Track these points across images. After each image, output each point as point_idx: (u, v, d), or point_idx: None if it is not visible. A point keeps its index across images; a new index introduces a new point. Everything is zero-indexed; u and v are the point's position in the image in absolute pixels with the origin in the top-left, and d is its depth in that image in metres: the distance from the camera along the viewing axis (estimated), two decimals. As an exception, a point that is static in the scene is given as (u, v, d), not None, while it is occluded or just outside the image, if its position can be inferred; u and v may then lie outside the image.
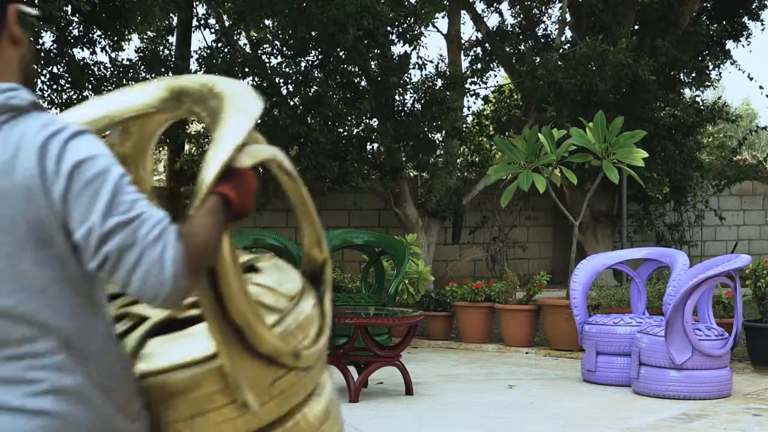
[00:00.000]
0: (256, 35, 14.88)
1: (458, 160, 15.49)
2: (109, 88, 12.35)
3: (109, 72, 12.39)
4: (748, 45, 17.31)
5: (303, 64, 14.06)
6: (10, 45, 1.90)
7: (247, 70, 14.13)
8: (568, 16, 15.79)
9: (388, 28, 13.60)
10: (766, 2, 16.88)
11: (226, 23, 14.96)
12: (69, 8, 10.64)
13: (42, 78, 12.15)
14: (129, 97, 2.30)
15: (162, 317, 2.19)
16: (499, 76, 18.85)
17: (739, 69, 17.07)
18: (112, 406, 1.85)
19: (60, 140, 1.78)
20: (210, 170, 1.86)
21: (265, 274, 2.31)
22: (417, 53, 14.22)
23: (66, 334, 1.80)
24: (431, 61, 14.59)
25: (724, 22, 16.69)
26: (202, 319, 2.06)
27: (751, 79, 16.87)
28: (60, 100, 12.20)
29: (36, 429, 1.78)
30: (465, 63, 16.38)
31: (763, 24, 17.28)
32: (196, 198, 1.84)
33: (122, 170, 1.80)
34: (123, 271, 1.73)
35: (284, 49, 14.16)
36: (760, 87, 17.02)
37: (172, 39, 15.54)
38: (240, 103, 2.06)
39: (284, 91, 14.24)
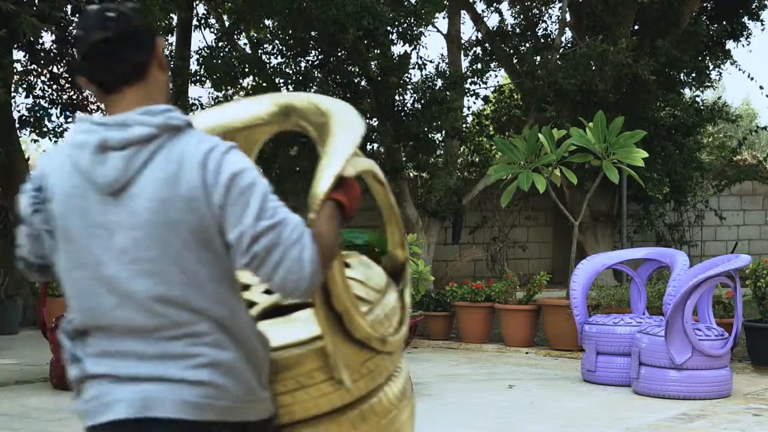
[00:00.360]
0: (256, 35, 14.88)
1: (458, 160, 15.50)
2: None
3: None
4: (748, 45, 17.30)
5: (303, 64, 14.06)
6: (159, 70, 2.20)
7: (247, 70, 14.13)
8: (568, 16, 15.78)
9: (388, 28, 13.60)
10: (766, 2, 16.87)
11: (226, 23, 14.96)
12: (69, 8, 10.64)
13: (42, 78, 12.14)
14: (242, 109, 2.68)
15: (269, 303, 2.54)
16: (499, 76, 18.85)
17: (739, 69, 17.06)
18: (253, 377, 2.17)
19: (217, 155, 2.09)
20: (325, 181, 2.17)
21: (355, 269, 2.62)
22: (417, 53, 14.22)
23: (220, 318, 2.12)
24: (431, 61, 14.59)
25: (724, 22, 16.68)
26: (302, 307, 2.45)
27: (752, 78, 16.87)
28: (60, 101, 12.19)
29: (194, 397, 2.08)
30: (465, 63, 16.38)
31: (763, 24, 17.27)
32: (314, 204, 2.14)
33: (266, 181, 2.11)
34: (268, 267, 2.05)
35: (284, 49, 14.16)
36: (761, 87, 17.02)
37: (172, 39, 15.54)
38: (345, 121, 2.42)
39: (284, 91, 14.24)
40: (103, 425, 2.11)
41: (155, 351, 2.09)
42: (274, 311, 2.51)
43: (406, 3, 13.88)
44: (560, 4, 15.86)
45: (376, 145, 14.74)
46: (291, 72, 13.96)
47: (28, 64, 11.96)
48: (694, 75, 16.72)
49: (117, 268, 2.09)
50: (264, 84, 14.14)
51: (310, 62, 14.06)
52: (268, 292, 2.59)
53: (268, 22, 14.74)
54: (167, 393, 2.07)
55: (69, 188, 2.13)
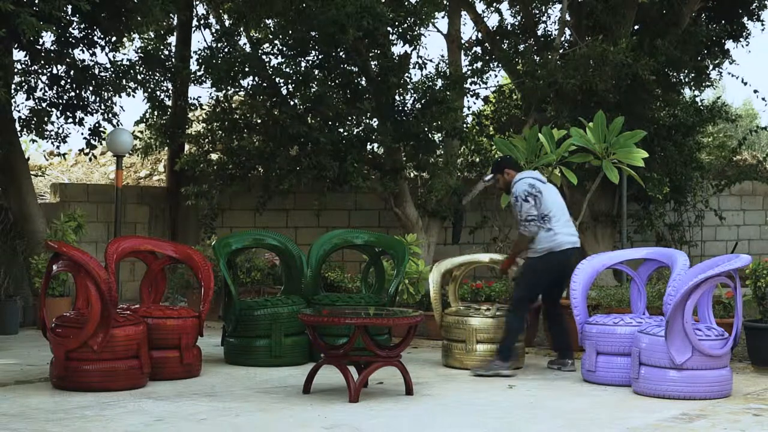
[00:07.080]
0: (256, 35, 14.86)
1: (458, 160, 15.48)
2: (109, 88, 12.32)
3: (109, 72, 12.36)
4: (747, 45, 17.31)
5: (303, 64, 14.05)
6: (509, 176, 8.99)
7: (247, 70, 14.12)
8: (568, 16, 15.77)
9: (388, 29, 13.59)
10: (766, 2, 16.85)
11: (226, 23, 14.95)
12: (69, 8, 10.63)
13: (42, 78, 12.13)
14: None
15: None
16: (499, 76, 18.84)
17: (733, 76, 17.10)
18: (556, 243, 8.70)
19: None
20: None
21: None
22: (417, 53, 14.20)
23: (548, 225, 8.66)
24: (431, 61, 14.58)
25: (724, 22, 16.67)
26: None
27: (746, 84, 16.88)
28: (60, 101, 12.18)
29: (577, 241, 8.80)
30: (465, 63, 16.36)
31: (763, 24, 17.25)
32: None
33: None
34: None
35: (284, 49, 14.15)
36: (755, 91, 17.06)
37: (172, 39, 15.53)
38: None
39: (284, 91, 14.23)
40: (565, 249, 8.58)
41: (570, 225, 8.76)
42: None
43: (406, 3, 13.88)
44: (560, 5, 15.85)
45: (376, 145, 14.74)
46: (291, 72, 13.95)
47: (29, 64, 11.94)
48: (693, 75, 16.71)
49: (564, 208, 8.79)
50: (264, 84, 14.13)
51: (310, 62, 14.05)
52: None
53: (268, 22, 14.73)
54: (575, 239, 8.76)
55: (544, 186, 8.68)
